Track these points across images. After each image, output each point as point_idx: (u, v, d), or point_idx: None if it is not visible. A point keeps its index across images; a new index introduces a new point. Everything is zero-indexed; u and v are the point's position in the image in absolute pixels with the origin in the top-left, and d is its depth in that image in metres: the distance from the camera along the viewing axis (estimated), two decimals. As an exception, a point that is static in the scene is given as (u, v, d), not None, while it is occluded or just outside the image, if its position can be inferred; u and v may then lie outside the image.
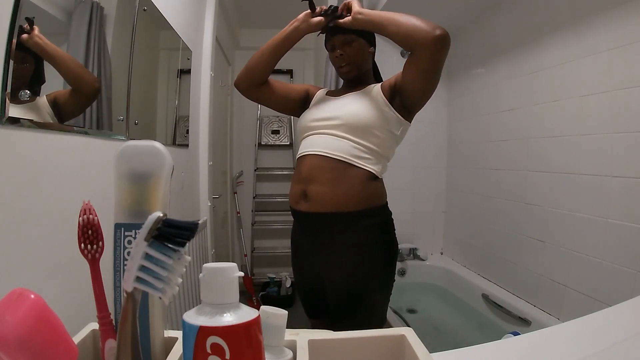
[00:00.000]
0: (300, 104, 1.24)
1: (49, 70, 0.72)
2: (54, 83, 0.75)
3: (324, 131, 1.07)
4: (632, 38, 1.34)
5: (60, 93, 0.78)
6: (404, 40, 0.95)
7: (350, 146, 1.03)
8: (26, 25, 0.64)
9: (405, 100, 1.04)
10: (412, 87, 1.00)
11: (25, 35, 0.65)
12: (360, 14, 1.00)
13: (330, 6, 1.08)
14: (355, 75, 1.14)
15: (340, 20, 1.04)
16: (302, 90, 1.26)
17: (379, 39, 1.18)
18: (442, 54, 0.93)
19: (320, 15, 1.08)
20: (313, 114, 1.13)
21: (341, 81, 1.28)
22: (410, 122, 1.10)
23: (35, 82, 0.69)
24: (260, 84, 1.18)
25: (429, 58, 0.93)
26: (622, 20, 1.38)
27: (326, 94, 1.21)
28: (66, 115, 0.79)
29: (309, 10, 1.09)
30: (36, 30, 0.67)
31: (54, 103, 0.74)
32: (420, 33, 0.91)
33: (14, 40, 0.60)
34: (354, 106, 1.06)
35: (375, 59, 1.22)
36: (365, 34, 1.11)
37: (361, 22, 1.01)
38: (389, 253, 1.09)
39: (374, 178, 1.05)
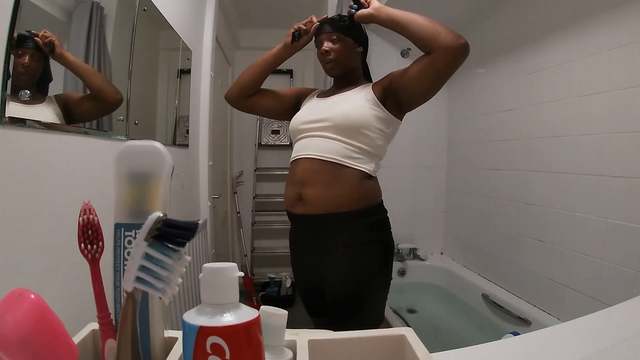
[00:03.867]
0: (292, 109, 1.25)
1: (55, 69, 0.72)
2: (56, 84, 0.75)
3: (315, 133, 1.08)
4: (632, 38, 1.34)
5: (72, 96, 0.78)
6: (428, 41, 0.94)
7: (342, 147, 1.04)
8: (53, 39, 0.67)
9: (402, 99, 1.04)
10: (418, 87, 1.00)
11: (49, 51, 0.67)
12: (379, 10, 1.01)
13: (340, 15, 1.11)
14: (340, 73, 1.14)
15: (359, 12, 1.04)
16: (293, 95, 1.27)
17: (378, 40, 1.18)
18: (461, 62, 0.95)
19: (340, 20, 1.11)
20: (303, 117, 1.14)
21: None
22: (401, 120, 1.10)
23: (42, 82, 0.70)
24: (250, 96, 1.22)
25: (448, 63, 0.94)
26: (622, 20, 1.38)
27: (317, 96, 1.22)
28: (78, 118, 0.80)
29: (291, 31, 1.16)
30: (58, 44, 0.69)
31: (65, 105, 0.75)
32: (445, 37, 0.92)
33: (14, 40, 0.60)
34: (342, 107, 1.06)
35: (374, 59, 1.22)
36: (354, 34, 1.12)
37: (381, 19, 1.01)
38: (385, 251, 1.10)
39: (367, 177, 1.06)
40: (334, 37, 1.10)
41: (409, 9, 0.99)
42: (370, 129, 1.04)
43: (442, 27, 0.94)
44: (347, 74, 1.15)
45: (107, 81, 0.89)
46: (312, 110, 1.14)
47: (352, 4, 1.07)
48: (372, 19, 1.03)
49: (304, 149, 1.09)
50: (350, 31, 1.11)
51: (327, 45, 1.11)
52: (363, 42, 1.16)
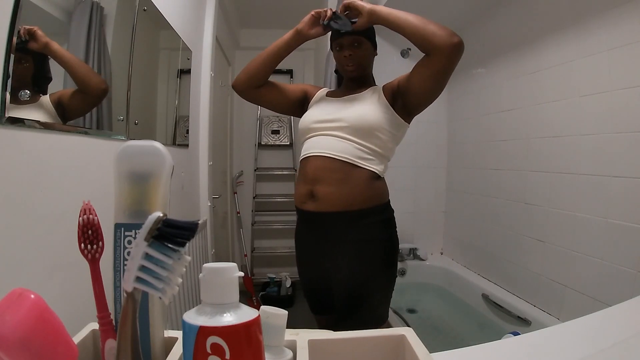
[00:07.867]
0: (298, 104, 1.25)
1: (54, 68, 0.72)
2: (56, 82, 0.75)
3: (328, 132, 1.08)
4: (632, 38, 1.34)
5: (64, 93, 0.78)
6: (423, 42, 0.96)
7: (354, 148, 1.05)
8: (33, 29, 0.65)
9: (409, 102, 1.06)
10: (421, 88, 1.02)
11: (33, 43, 0.66)
12: (374, 14, 0.99)
13: (334, 12, 1.06)
14: (359, 76, 1.15)
15: (355, 25, 1.02)
16: (300, 90, 1.26)
17: (378, 40, 1.18)
18: (457, 60, 0.96)
19: (328, 25, 1.06)
20: (315, 116, 1.14)
21: (341, 81, 1.28)
22: (409, 124, 1.12)
23: (38, 82, 0.69)
24: (259, 86, 1.19)
25: (444, 62, 0.95)
26: (622, 20, 1.38)
27: (326, 95, 1.22)
28: (71, 114, 0.79)
29: (311, 15, 1.09)
30: (41, 34, 0.67)
31: (58, 103, 0.74)
32: (439, 38, 0.93)
33: (14, 40, 0.60)
34: (357, 108, 1.07)
35: (374, 59, 1.23)
36: (372, 38, 1.14)
37: (376, 21, 1.00)
38: (390, 249, 1.11)
39: (377, 177, 1.07)
40: (357, 40, 1.10)
41: (408, 9, 0.99)
42: (382, 131, 1.06)
43: (435, 26, 0.94)
44: (362, 76, 1.16)
45: (92, 71, 0.87)
46: (324, 109, 1.14)
47: (346, 17, 1.04)
48: (368, 24, 1.02)
49: (316, 147, 1.09)
50: (370, 36, 1.12)
51: (349, 50, 1.10)
52: (376, 46, 1.17)
